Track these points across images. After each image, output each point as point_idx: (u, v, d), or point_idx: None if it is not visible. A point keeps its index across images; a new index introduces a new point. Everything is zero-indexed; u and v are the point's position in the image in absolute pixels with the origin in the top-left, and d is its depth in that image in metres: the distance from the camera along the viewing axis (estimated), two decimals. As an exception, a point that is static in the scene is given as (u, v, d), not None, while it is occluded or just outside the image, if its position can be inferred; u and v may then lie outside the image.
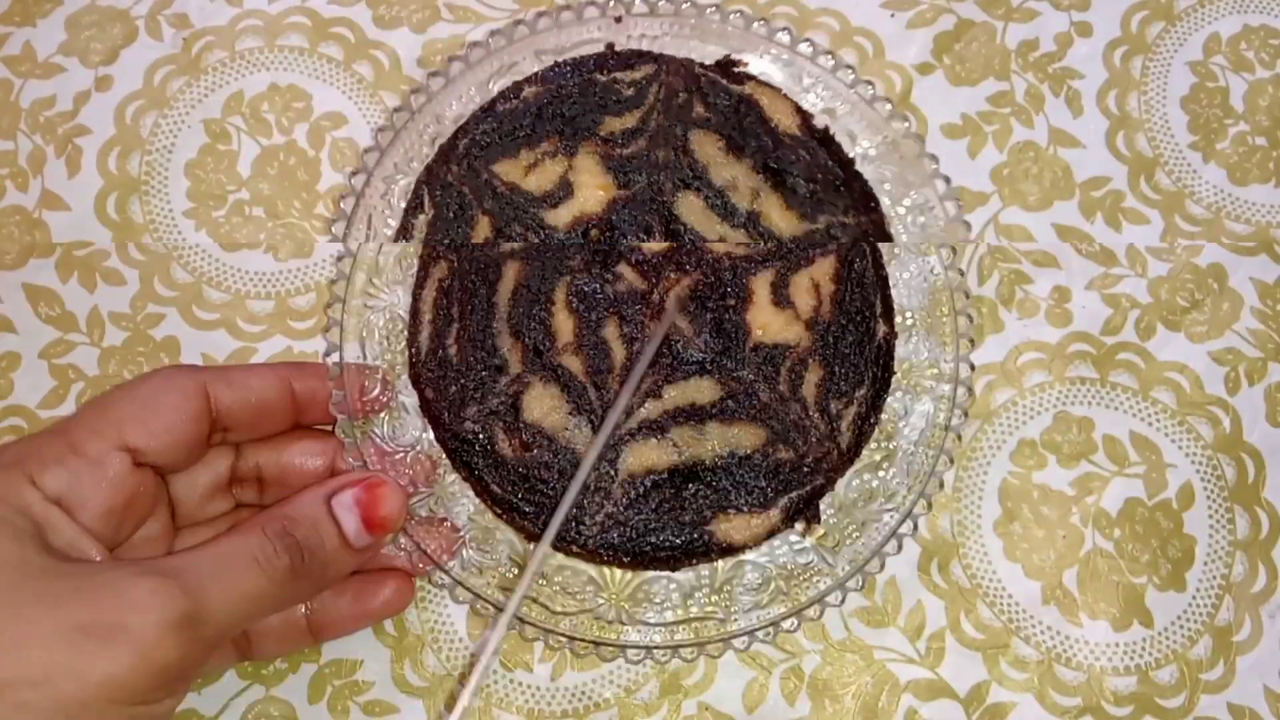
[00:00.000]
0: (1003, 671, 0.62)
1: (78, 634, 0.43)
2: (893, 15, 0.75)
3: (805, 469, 0.60)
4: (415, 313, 0.62)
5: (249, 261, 0.68)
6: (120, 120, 0.71)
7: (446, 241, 0.62)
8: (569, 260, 0.62)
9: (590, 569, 0.59)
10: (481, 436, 0.60)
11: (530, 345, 0.60)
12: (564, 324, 0.61)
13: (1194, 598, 0.64)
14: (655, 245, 0.62)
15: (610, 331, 0.61)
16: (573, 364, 0.60)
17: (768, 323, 0.61)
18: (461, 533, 0.59)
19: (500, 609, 0.56)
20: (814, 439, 0.60)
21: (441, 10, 0.74)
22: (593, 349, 0.60)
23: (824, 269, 0.63)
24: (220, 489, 0.58)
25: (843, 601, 0.57)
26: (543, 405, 0.60)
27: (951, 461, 0.59)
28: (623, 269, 0.62)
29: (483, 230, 0.62)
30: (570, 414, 0.60)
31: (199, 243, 0.69)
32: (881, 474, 0.60)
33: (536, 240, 0.62)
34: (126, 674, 0.43)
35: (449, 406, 0.60)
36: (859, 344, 0.61)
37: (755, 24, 0.65)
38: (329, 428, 0.59)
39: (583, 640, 0.56)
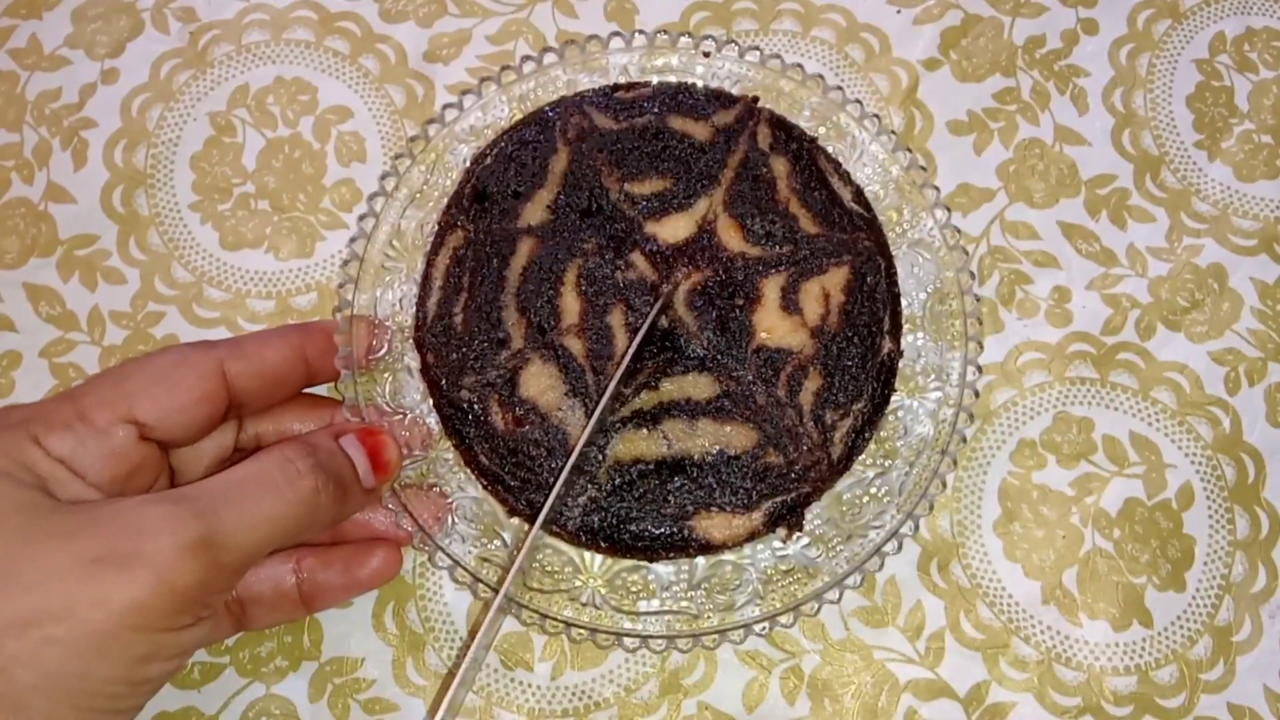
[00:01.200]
0: (1002, 671, 0.60)
1: (94, 564, 0.41)
2: (899, 11, 0.72)
3: (793, 476, 0.57)
4: (427, 277, 0.60)
5: (250, 261, 0.66)
6: (126, 113, 0.68)
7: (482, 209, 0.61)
8: (583, 243, 0.60)
9: (571, 550, 0.57)
10: (476, 406, 0.58)
11: (535, 322, 0.58)
12: (571, 305, 0.59)
13: (1194, 598, 0.61)
14: (671, 237, 0.60)
15: (615, 318, 0.59)
16: (574, 346, 0.58)
17: (773, 326, 0.59)
18: (450, 500, 0.57)
19: (497, 591, 0.54)
20: (805, 447, 0.57)
21: (448, 4, 0.71)
22: (595, 333, 0.58)
23: (836, 279, 0.60)
24: (224, 461, 0.56)
25: (840, 599, 0.55)
26: (540, 383, 0.58)
27: (955, 464, 0.57)
28: (636, 257, 0.60)
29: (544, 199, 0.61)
30: (565, 395, 0.57)
31: (204, 237, 0.66)
32: (874, 490, 0.58)
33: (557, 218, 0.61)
34: (148, 598, 0.41)
35: (448, 373, 0.58)
36: (862, 358, 0.59)
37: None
38: (328, 392, 0.58)
39: (580, 626, 0.54)
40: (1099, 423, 0.64)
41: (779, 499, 0.57)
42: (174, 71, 0.69)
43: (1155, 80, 0.71)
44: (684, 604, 0.56)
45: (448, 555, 0.55)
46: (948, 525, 0.62)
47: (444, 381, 0.58)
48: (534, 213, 0.61)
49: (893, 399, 0.59)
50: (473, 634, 0.59)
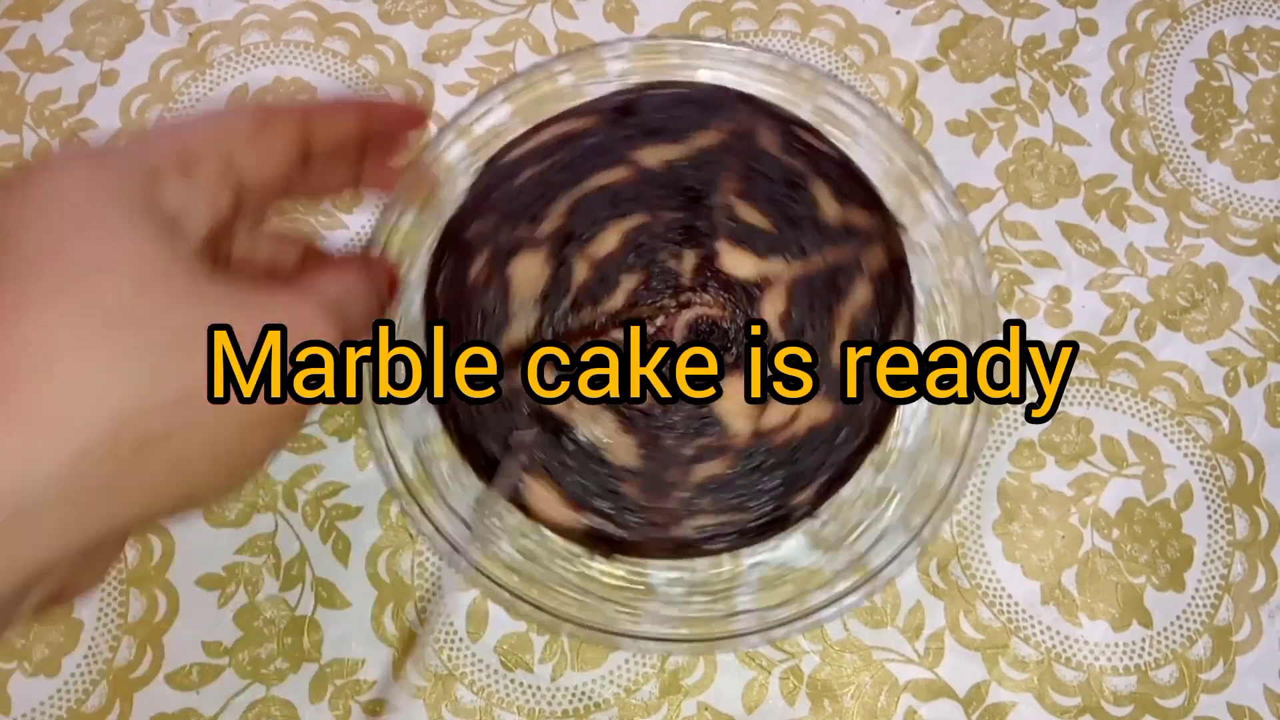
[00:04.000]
0: (1002, 671, 0.59)
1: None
2: (898, 12, 0.71)
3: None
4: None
5: (249, 261, 0.66)
6: (125, 114, 0.68)
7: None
8: (666, 208, 0.59)
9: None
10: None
11: (570, 226, 0.58)
12: (608, 239, 0.58)
13: (1193, 598, 0.61)
14: (729, 269, 0.58)
15: (629, 278, 0.57)
16: (580, 267, 0.58)
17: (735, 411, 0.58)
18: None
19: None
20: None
21: (447, 5, 0.71)
22: (603, 275, 0.57)
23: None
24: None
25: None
26: (527, 270, 0.57)
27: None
28: (689, 257, 0.58)
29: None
30: (540, 295, 0.57)
31: (204, 237, 0.66)
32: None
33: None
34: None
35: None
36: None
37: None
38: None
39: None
40: (1098, 423, 0.64)
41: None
42: (173, 72, 0.69)
43: (1154, 80, 0.71)
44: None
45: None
46: (947, 525, 0.62)
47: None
48: (654, 154, 0.60)
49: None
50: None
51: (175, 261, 0.38)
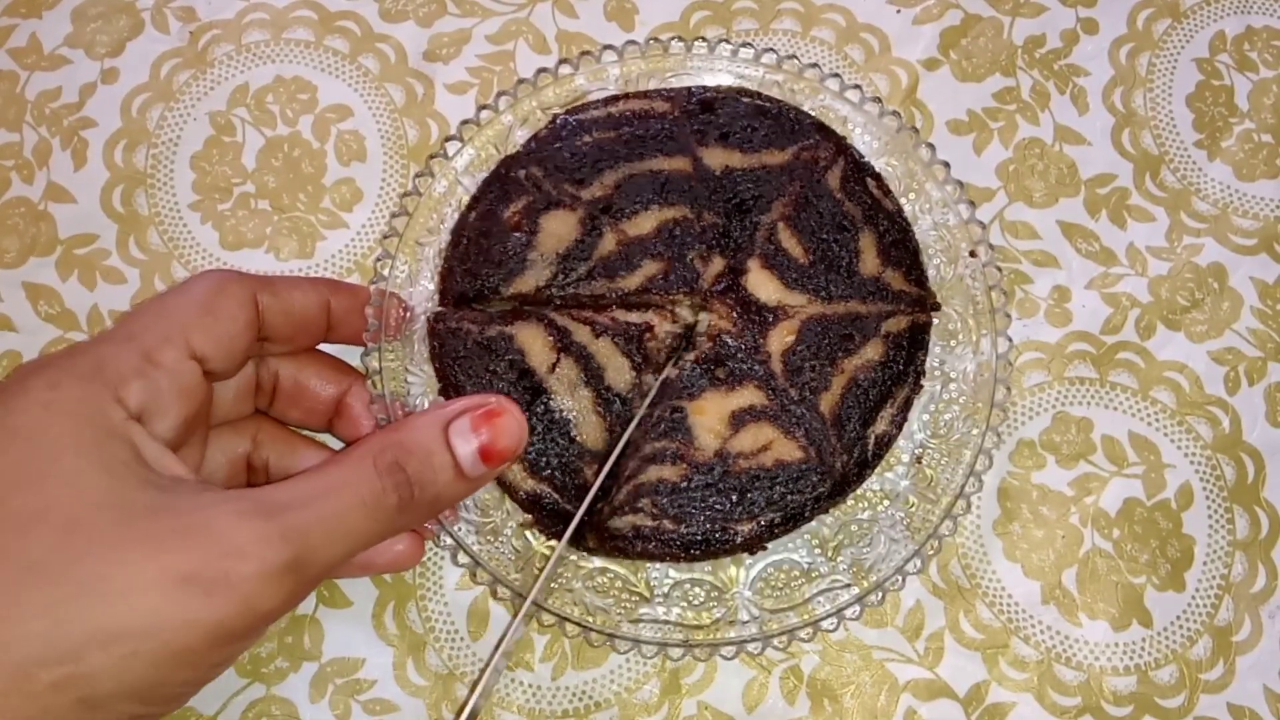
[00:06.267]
0: (1002, 671, 0.59)
1: (183, 583, 0.40)
2: (899, 11, 0.71)
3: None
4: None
5: (250, 261, 0.65)
6: (126, 113, 0.68)
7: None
8: (709, 210, 0.59)
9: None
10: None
11: (609, 200, 0.59)
12: (644, 222, 0.59)
13: (1193, 598, 0.61)
14: (755, 291, 0.58)
15: (651, 265, 0.58)
16: (609, 237, 0.58)
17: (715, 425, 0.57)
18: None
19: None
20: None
21: (447, 4, 0.71)
22: (628, 254, 0.58)
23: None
24: (248, 393, 0.55)
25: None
26: (561, 225, 0.58)
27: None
28: (716, 263, 0.58)
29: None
30: (572, 244, 0.58)
31: (204, 236, 0.65)
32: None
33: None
34: (232, 621, 0.41)
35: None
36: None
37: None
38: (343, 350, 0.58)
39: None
40: (1098, 423, 0.63)
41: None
42: (174, 71, 0.69)
43: (1155, 79, 0.70)
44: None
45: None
46: (946, 525, 0.61)
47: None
48: (718, 157, 0.60)
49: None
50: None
51: (105, 502, 0.42)
